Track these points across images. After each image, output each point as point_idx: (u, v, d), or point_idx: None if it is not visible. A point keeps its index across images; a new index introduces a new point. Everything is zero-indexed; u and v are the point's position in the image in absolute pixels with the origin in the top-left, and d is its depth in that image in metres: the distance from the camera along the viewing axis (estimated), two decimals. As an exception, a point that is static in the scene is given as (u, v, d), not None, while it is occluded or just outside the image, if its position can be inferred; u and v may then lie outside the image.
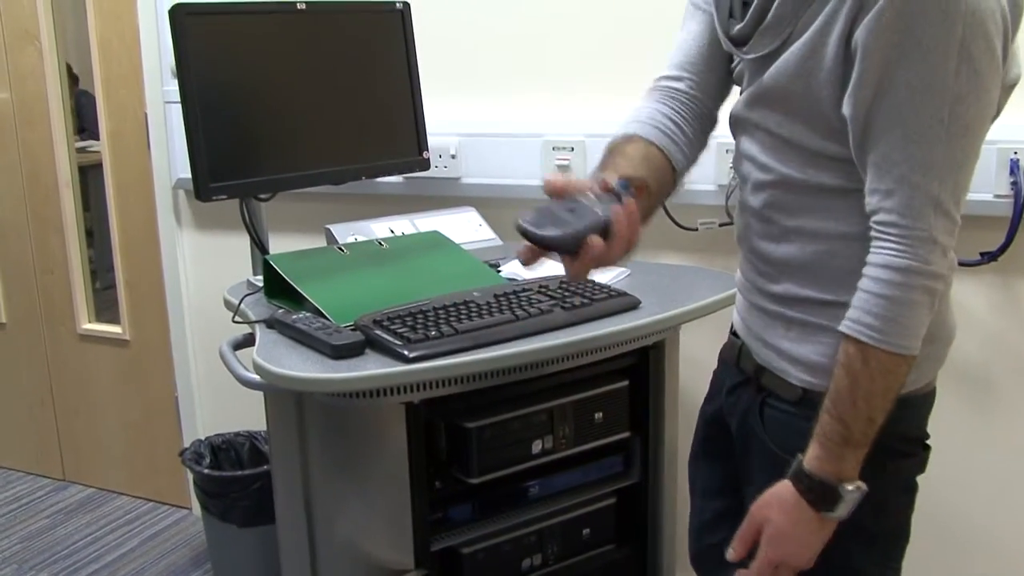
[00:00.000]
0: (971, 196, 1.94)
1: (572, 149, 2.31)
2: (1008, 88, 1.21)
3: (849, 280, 1.20)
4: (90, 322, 3.25)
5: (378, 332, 1.63)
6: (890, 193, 1.14)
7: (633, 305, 1.83)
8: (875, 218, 1.17)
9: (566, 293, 1.81)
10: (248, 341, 1.91)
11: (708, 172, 2.20)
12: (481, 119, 2.42)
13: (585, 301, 1.78)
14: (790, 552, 1.25)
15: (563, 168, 2.32)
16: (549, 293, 1.81)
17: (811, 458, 1.22)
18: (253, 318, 1.85)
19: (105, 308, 3.29)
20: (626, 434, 1.93)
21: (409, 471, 1.71)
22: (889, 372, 1.17)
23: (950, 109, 1.10)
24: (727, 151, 2.17)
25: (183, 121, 1.84)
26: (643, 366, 1.95)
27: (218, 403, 3.04)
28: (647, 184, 1.32)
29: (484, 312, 1.71)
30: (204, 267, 2.94)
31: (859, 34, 1.13)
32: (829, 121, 1.20)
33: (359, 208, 2.37)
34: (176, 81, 2.63)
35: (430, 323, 1.65)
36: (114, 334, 3.19)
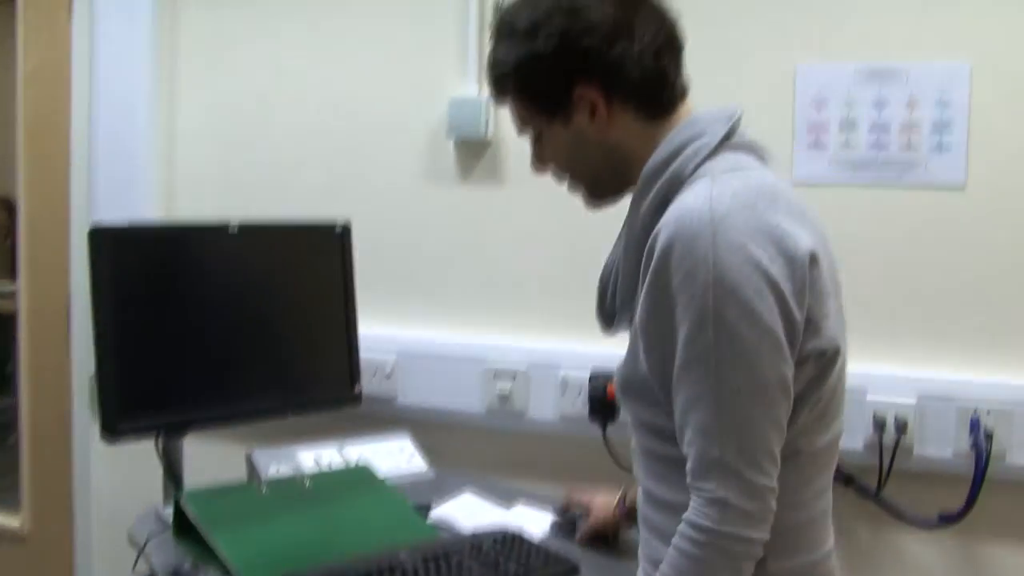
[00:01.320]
0: (927, 453, 1.88)
1: (514, 378, 2.20)
2: (820, 355, 1.22)
3: None
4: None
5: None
6: (687, 456, 1.19)
7: (572, 570, 1.68)
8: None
9: (499, 557, 1.67)
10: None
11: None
12: (420, 338, 2.31)
13: (520, 569, 1.64)
14: None
15: (503, 397, 2.20)
16: (481, 558, 1.66)
17: None
18: (157, 567, 1.68)
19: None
20: None
21: None
22: None
23: (715, 375, 1.15)
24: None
25: (94, 350, 1.69)
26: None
27: (120, 613, 2.80)
28: None
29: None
30: (117, 468, 2.74)
31: (638, 313, 1.25)
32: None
33: (285, 423, 2.22)
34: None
35: (354, 597, 1.49)
36: (9, 528, 2.95)
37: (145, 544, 1.76)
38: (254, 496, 1.82)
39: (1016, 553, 1.96)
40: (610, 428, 2.11)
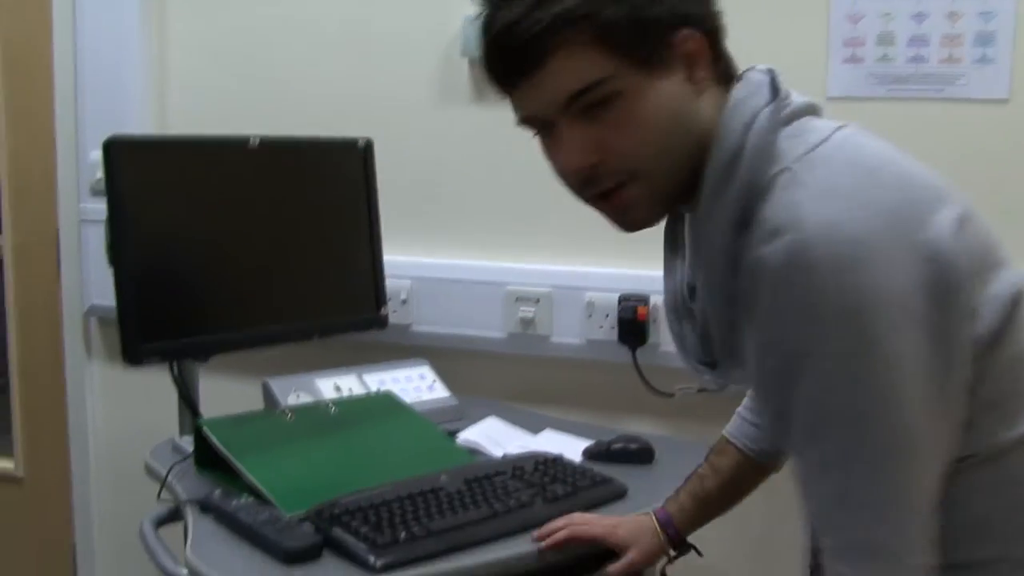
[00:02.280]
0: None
1: (538, 301, 2.13)
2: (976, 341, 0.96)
3: None
4: (-24, 455, 2.92)
5: (338, 531, 1.39)
6: (816, 527, 0.99)
7: (620, 493, 1.63)
8: None
9: (545, 479, 1.61)
10: (173, 516, 1.66)
11: (687, 335, 2.04)
12: (437, 262, 2.23)
13: (568, 490, 1.58)
14: None
15: (526, 321, 2.13)
16: (525, 479, 1.60)
17: None
18: (184, 496, 1.60)
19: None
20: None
21: None
22: None
23: (855, 433, 0.92)
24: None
25: (113, 272, 1.59)
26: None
27: (121, 552, 2.72)
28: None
29: (457, 505, 1.48)
30: (116, 404, 2.65)
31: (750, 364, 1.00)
32: None
33: (299, 353, 2.13)
34: (96, 200, 2.45)
35: (396, 520, 1.42)
36: (4, 470, 2.85)
37: (168, 473, 1.68)
38: (278, 423, 1.75)
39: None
40: (640, 352, 2.05)
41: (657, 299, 2.04)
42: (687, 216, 1.15)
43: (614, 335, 2.06)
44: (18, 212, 2.71)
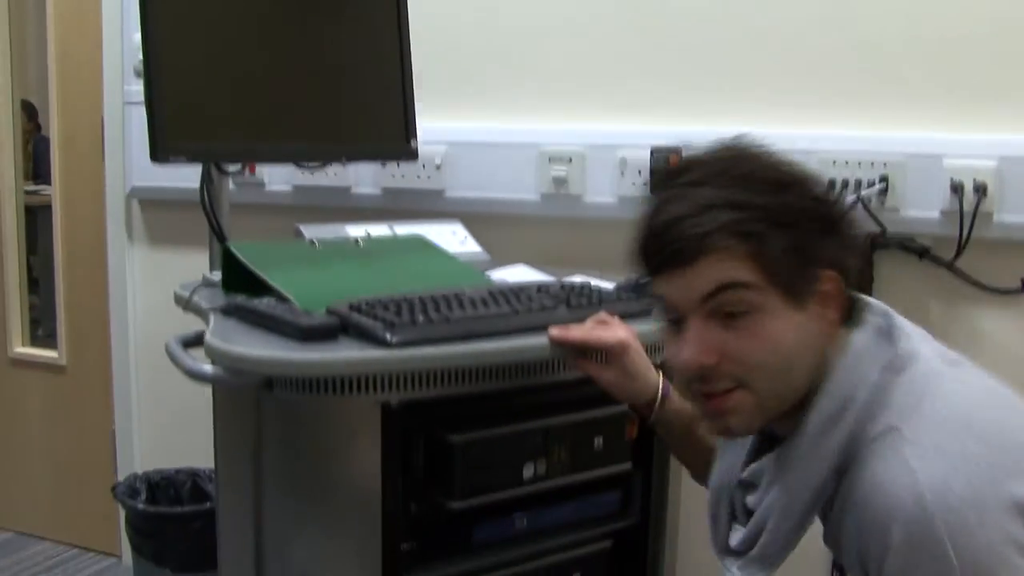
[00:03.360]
0: (1012, 219, 1.80)
1: (570, 160, 2.11)
2: None
3: None
4: (23, 345, 2.97)
5: (355, 315, 1.39)
6: None
7: (646, 312, 1.61)
8: None
9: (570, 295, 1.59)
10: (200, 339, 1.67)
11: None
12: (470, 127, 2.22)
13: (593, 302, 1.56)
14: None
15: (559, 181, 2.12)
16: (551, 292, 1.59)
17: None
18: (206, 309, 1.61)
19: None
20: (627, 465, 1.70)
21: (382, 488, 1.45)
22: None
23: None
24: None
25: (142, 60, 1.57)
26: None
27: (159, 438, 2.76)
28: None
29: (478, 303, 1.48)
30: (155, 286, 2.69)
31: None
32: None
33: (330, 219, 2.14)
34: (138, 81, 2.47)
35: (416, 309, 1.42)
36: (49, 359, 2.90)
37: (194, 292, 1.69)
38: (305, 250, 1.75)
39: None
40: (673, 205, 2.02)
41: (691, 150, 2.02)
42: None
43: (647, 191, 2.04)
44: (65, 104, 2.76)
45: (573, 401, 1.61)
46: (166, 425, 2.74)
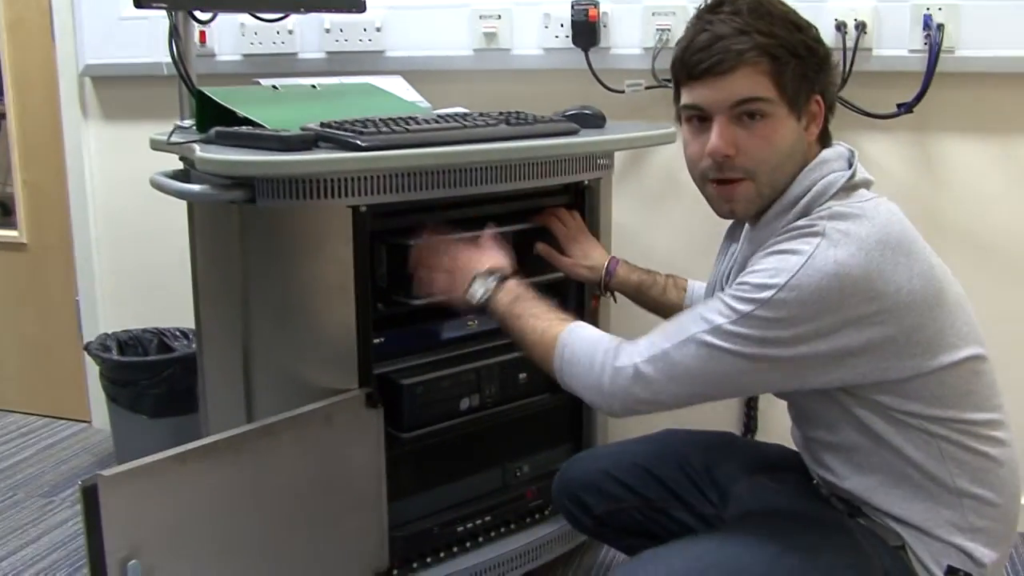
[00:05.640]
0: (886, 52, 2.06)
1: (499, 17, 2.33)
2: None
3: None
4: (-20, 227, 3.12)
5: (327, 130, 1.61)
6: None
7: (573, 131, 1.86)
8: None
9: (511, 116, 1.83)
10: (181, 176, 1.86)
11: (634, 35, 2.26)
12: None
13: (530, 120, 1.80)
14: None
15: (489, 36, 2.34)
16: (493, 116, 1.82)
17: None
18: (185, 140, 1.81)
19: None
20: (561, 275, 1.95)
21: (354, 282, 1.68)
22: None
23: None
24: (652, 13, 2.23)
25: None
26: (579, 206, 1.97)
27: (122, 305, 2.94)
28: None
29: (431, 122, 1.71)
30: (111, 161, 2.85)
31: None
32: None
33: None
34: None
35: (380, 125, 1.64)
36: (9, 238, 3.05)
37: (174, 130, 1.88)
38: (269, 92, 1.95)
39: (962, 140, 2.17)
40: (592, 53, 2.27)
41: (608, 5, 2.25)
42: (747, 225, 1.44)
43: (569, 42, 2.28)
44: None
45: (513, 213, 1.87)
46: (128, 293, 2.92)
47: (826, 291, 1.20)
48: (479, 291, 1.57)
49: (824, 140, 1.39)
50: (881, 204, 1.31)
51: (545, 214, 1.92)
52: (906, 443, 1.29)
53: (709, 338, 1.26)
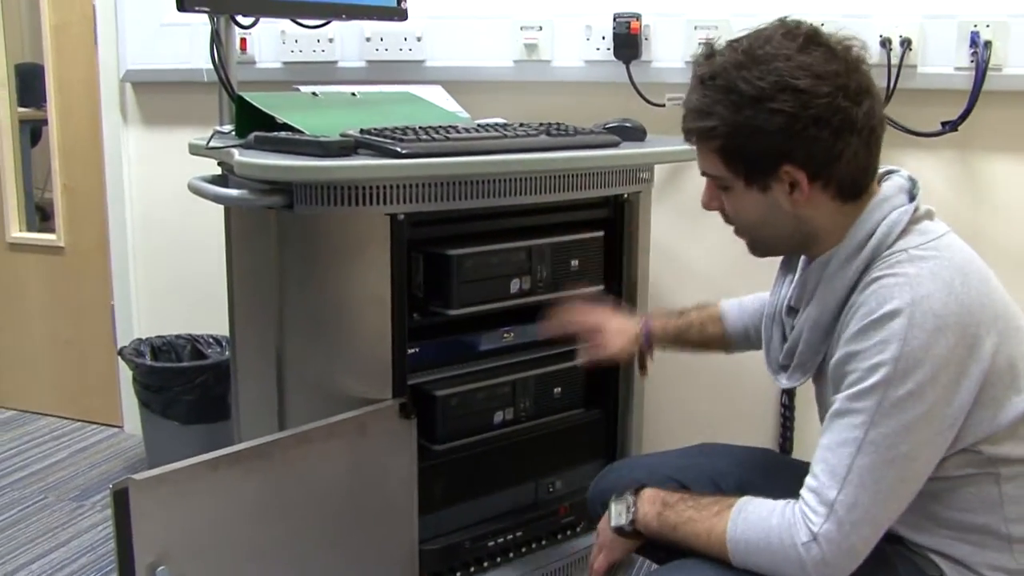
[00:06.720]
0: (931, 70, 2.03)
1: (540, 28, 2.32)
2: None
3: None
4: (21, 230, 3.13)
5: (367, 137, 1.61)
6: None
7: (614, 143, 1.84)
8: None
9: (551, 127, 1.81)
10: (219, 181, 1.86)
11: (676, 48, 2.24)
12: (449, 1, 2.42)
13: (571, 131, 1.79)
14: None
15: (530, 47, 2.32)
16: (534, 127, 1.81)
17: None
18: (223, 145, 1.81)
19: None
20: (600, 287, 1.94)
21: (391, 291, 1.67)
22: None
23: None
24: (695, 27, 2.22)
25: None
26: (618, 220, 1.96)
27: (156, 311, 2.95)
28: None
29: (471, 131, 1.70)
30: (149, 166, 2.86)
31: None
32: None
33: (321, 88, 2.34)
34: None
35: (420, 133, 1.63)
36: (47, 242, 3.07)
37: (213, 135, 1.88)
38: (309, 99, 1.95)
39: (1008, 160, 2.13)
40: (634, 67, 2.25)
41: (650, 18, 2.24)
42: (804, 258, 1.42)
43: (610, 55, 2.26)
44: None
45: (551, 226, 1.85)
46: (163, 299, 2.93)
47: (935, 346, 1.18)
48: (622, 516, 1.44)
49: (852, 191, 1.31)
50: (953, 241, 1.28)
51: (556, 325, 1.79)
52: (967, 492, 1.26)
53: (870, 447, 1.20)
